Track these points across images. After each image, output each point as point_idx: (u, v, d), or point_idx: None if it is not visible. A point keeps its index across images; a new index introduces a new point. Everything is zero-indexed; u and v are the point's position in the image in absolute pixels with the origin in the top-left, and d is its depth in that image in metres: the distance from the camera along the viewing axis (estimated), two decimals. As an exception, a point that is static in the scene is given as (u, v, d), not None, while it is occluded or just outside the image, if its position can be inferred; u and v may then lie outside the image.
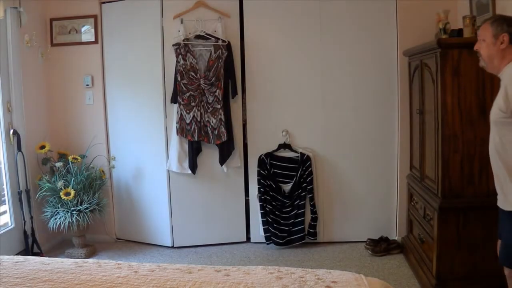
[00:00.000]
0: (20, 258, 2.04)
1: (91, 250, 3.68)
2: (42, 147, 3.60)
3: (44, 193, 3.51)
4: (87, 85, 3.86)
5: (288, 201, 3.63)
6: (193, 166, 3.64)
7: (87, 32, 3.83)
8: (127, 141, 3.84)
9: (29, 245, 3.48)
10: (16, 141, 3.46)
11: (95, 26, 3.80)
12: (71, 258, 3.18)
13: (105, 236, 3.95)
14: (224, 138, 3.54)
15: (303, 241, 3.63)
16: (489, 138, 2.03)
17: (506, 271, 2.05)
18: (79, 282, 1.73)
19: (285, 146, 3.65)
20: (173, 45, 3.53)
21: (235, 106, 3.68)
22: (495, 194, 2.58)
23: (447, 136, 2.58)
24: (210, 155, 3.68)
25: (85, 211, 3.47)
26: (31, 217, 3.51)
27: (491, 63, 2.01)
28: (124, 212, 3.95)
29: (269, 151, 3.66)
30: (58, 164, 3.56)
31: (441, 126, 2.59)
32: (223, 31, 3.56)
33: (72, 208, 3.44)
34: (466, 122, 2.56)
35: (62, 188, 3.43)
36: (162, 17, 3.61)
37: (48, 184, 3.48)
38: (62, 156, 3.70)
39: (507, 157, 1.91)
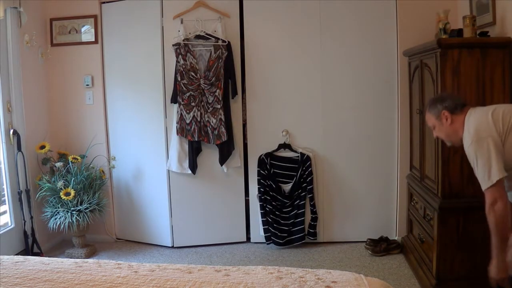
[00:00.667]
0: (20, 258, 2.04)
1: (91, 250, 3.68)
2: (42, 147, 3.60)
3: (44, 193, 3.51)
4: (87, 85, 3.86)
5: (288, 201, 3.63)
6: (193, 166, 3.64)
7: (87, 32, 3.83)
8: (127, 141, 3.84)
9: (29, 245, 3.48)
10: (16, 141, 3.46)
11: (95, 26, 3.80)
12: (71, 258, 3.18)
13: (105, 236, 3.95)
14: (224, 138, 3.54)
15: (303, 241, 3.63)
16: None
17: None
18: (79, 282, 1.73)
19: (285, 146, 3.65)
20: (173, 45, 3.53)
21: (235, 106, 3.68)
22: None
23: (447, 136, 2.58)
24: (210, 155, 3.68)
25: (85, 211, 3.47)
26: (31, 217, 3.51)
27: (453, 139, 2.13)
28: (124, 212, 3.95)
29: (269, 151, 3.66)
30: (58, 164, 3.56)
31: (441, 126, 2.59)
32: (223, 31, 3.56)
33: (72, 208, 3.44)
34: (466, 122, 2.56)
35: (62, 188, 3.43)
36: (162, 17, 3.61)
37: (48, 184, 3.48)
38: (62, 156, 3.70)
39: None
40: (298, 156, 3.61)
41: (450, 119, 2.06)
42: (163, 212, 3.79)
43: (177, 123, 3.58)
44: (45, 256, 3.04)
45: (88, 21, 3.81)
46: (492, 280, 1.99)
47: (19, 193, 3.46)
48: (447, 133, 2.11)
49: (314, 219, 3.60)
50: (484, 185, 1.93)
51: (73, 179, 3.50)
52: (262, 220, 3.65)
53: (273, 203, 3.65)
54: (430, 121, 2.17)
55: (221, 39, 3.51)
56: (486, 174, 1.91)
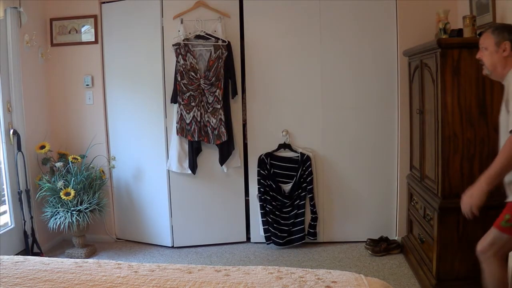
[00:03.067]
0: (20, 258, 2.04)
1: (91, 250, 3.68)
2: (42, 147, 3.60)
3: (44, 193, 3.51)
4: (87, 85, 3.86)
5: (288, 201, 3.63)
6: (193, 166, 3.64)
7: (87, 32, 3.83)
8: (127, 141, 3.84)
9: (29, 245, 3.48)
10: (16, 141, 3.46)
11: (95, 26, 3.80)
12: (71, 258, 3.18)
13: (105, 236, 3.95)
14: (224, 138, 3.54)
15: (303, 241, 3.63)
16: (499, 137, 2.08)
17: None
18: (79, 282, 1.73)
19: (285, 146, 3.65)
20: (173, 45, 3.53)
21: (235, 106, 3.68)
22: (495, 194, 2.58)
23: (447, 136, 2.58)
24: (210, 155, 3.68)
25: (85, 211, 3.47)
26: (31, 217, 3.51)
27: (495, 70, 2.08)
28: (124, 212, 3.95)
29: (269, 151, 3.66)
30: (58, 164, 3.56)
31: (441, 126, 2.59)
32: (223, 31, 3.56)
33: (72, 208, 3.44)
34: (466, 122, 2.56)
35: (62, 188, 3.43)
36: (162, 17, 3.61)
37: (48, 184, 3.48)
38: (62, 156, 3.70)
39: None
40: (298, 156, 3.61)
41: (507, 53, 2.00)
42: (163, 212, 3.79)
43: (177, 123, 3.58)
44: (45, 256, 3.04)
45: (88, 21, 3.81)
46: (465, 205, 2.04)
47: (19, 193, 3.46)
48: (494, 62, 2.05)
49: (314, 219, 3.60)
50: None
51: (73, 179, 3.50)
52: (262, 220, 3.65)
53: (273, 203, 3.65)
54: (487, 42, 2.07)
55: (221, 39, 3.51)
56: None
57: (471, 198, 2.02)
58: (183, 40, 3.51)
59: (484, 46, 2.09)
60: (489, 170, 1.98)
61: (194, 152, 3.63)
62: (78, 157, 3.64)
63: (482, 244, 2.15)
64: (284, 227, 3.64)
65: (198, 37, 3.54)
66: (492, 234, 2.11)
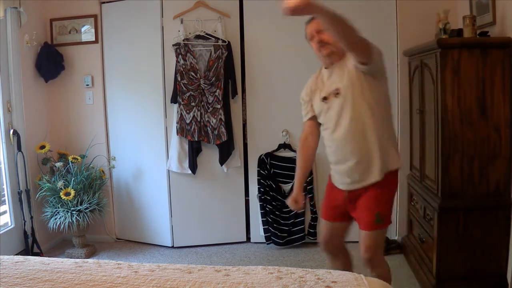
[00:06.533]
0: (20, 258, 2.03)
1: (91, 250, 3.68)
2: (42, 147, 3.60)
3: (44, 193, 3.51)
4: (87, 85, 3.86)
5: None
6: (193, 166, 3.64)
7: (87, 32, 3.83)
8: (127, 141, 3.84)
9: (29, 245, 3.48)
10: (16, 141, 3.46)
11: (95, 26, 3.80)
12: (71, 258, 3.18)
13: (105, 236, 3.95)
14: (224, 138, 3.54)
15: (303, 241, 3.63)
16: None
17: None
18: (79, 282, 1.73)
19: (285, 146, 3.65)
20: (173, 45, 3.53)
21: (235, 106, 3.68)
22: (495, 194, 2.58)
23: (447, 136, 2.58)
24: (210, 155, 3.68)
25: (85, 211, 3.47)
26: (31, 217, 3.51)
27: (337, 44, 2.11)
28: (124, 212, 3.95)
29: (269, 151, 3.66)
30: (58, 164, 3.56)
31: (441, 126, 2.59)
32: (223, 31, 3.56)
33: (72, 208, 3.44)
34: (466, 122, 2.56)
35: (62, 188, 3.43)
36: (162, 17, 3.61)
37: (48, 184, 3.48)
38: (62, 156, 3.70)
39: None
40: (298, 156, 3.60)
41: None
42: (163, 212, 3.79)
43: (177, 123, 3.58)
44: (45, 256, 3.03)
45: (88, 21, 3.81)
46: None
47: (19, 193, 3.46)
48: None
49: (314, 219, 3.60)
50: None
51: (73, 179, 3.50)
52: (262, 220, 3.65)
53: (273, 203, 3.65)
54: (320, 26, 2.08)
55: (221, 39, 3.51)
56: None
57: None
58: (183, 40, 3.51)
59: (322, 28, 2.09)
60: (328, 10, 1.90)
61: (194, 152, 3.63)
62: (78, 157, 3.64)
63: (368, 253, 2.16)
64: (284, 227, 3.64)
65: (198, 37, 3.54)
66: (371, 237, 2.15)
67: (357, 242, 3.80)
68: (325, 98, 2.19)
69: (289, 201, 2.44)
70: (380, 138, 2.09)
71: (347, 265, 2.37)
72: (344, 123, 2.11)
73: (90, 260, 1.98)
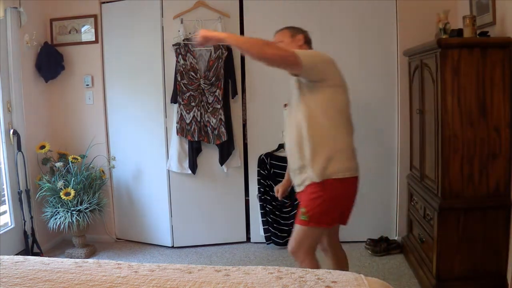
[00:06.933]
0: (20, 258, 2.03)
1: (91, 250, 3.68)
2: (42, 147, 3.60)
3: (44, 193, 3.51)
4: (87, 85, 3.86)
5: (288, 201, 3.63)
6: (193, 166, 3.64)
7: (87, 32, 3.83)
8: (127, 141, 3.84)
9: (29, 245, 3.48)
10: (16, 141, 3.46)
11: (95, 26, 3.80)
12: (71, 258, 3.18)
13: (105, 236, 3.95)
14: (224, 138, 3.54)
15: (303, 241, 3.63)
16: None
17: None
18: (79, 282, 1.73)
19: (285, 146, 3.64)
20: (173, 45, 3.53)
21: (235, 106, 3.67)
22: (495, 194, 2.58)
23: (447, 136, 2.58)
24: (210, 155, 3.68)
25: (85, 211, 3.47)
26: (31, 217, 3.51)
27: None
28: (124, 212, 3.95)
29: (269, 151, 3.66)
30: (58, 164, 3.56)
31: (441, 126, 2.59)
32: (223, 31, 3.55)
33: (72, 208, 3.44)
34: (466, 122, 2.56)
35: (62, 188, 3.43)
36: (162, 17, 3.61)
37: (48, 184, 3.48)
38: (62, 156, 3.70)
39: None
40: (298, 156, 3.60)
41: (302, 43, 2.39)
42: (163, 212, 3.79)
43: (177, 123, 3.58)
44: (45, 256, 3.03)
45: (88, 21, 3.81)
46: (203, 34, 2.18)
47: (19, 193, 3.46)
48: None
49: (314, 219, 3.59)
50: None
51: (73, 179, 3.50)
52: (262, 220, 3.65)
53: (273, 203, 3.65)
54: (281, 36, 2.46)
55: (221, 39, 3.51)
56: None
57: (210, 33, 2.10)
58: (183, 40, 3.51)
59: (280, 40, 2.40)
60: (238, 37, 2.26)
61: (194, 152, 3.63)
62: (78, 157, 3.64)
63: (291, 245, 2.29)
64: (284, 227, 3.64)
65: (198, 37, 3.54)
66: (296, 231, 2.28)
67: (357, 242, 3.81)
68: (285, 106, 2.40)
69: (275, 188, 2.68)
70: (315, 146, 2.13)
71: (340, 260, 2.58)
72: (288, 131, 2.27)
73: (90, 260, 1.98)
